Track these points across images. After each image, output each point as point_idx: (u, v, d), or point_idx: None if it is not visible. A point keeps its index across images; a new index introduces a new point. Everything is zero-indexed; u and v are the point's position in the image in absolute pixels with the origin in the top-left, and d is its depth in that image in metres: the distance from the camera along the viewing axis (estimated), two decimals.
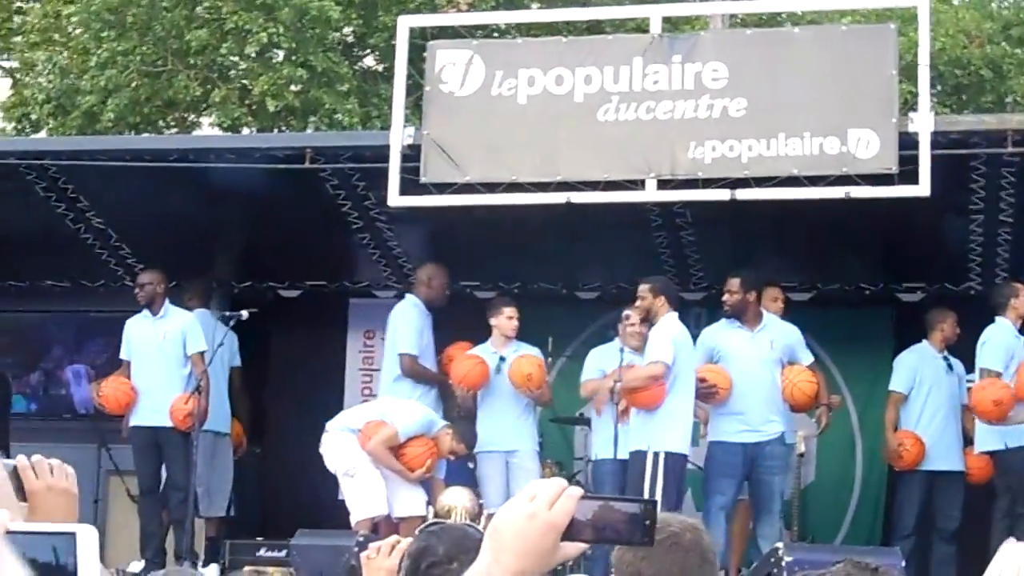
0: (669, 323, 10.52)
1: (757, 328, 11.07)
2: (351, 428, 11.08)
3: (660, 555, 3.17)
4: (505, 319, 11.43)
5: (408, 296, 11.85)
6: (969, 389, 11.49)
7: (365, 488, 10.90)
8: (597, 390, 11.16)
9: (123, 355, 11.93)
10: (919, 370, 11.46)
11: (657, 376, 10.41)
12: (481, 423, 11.47)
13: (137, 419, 11.74)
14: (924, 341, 11.55)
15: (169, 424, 11.54)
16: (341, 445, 11.03)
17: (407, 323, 11.64)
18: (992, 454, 10.92)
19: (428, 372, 11.67)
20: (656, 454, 10.25)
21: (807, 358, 11.28)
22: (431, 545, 4.24)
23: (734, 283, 11.06)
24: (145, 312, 11.88)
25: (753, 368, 10.90)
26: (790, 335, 11.24)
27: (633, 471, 10.48)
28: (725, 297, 11.05)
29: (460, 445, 11.10)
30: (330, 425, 11.19)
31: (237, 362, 12.35)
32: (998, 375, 10.64)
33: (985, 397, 10.64)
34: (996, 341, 10.79)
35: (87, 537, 2.46)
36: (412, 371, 11.60)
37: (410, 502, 10.92)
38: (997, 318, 10.97)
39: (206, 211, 12.06)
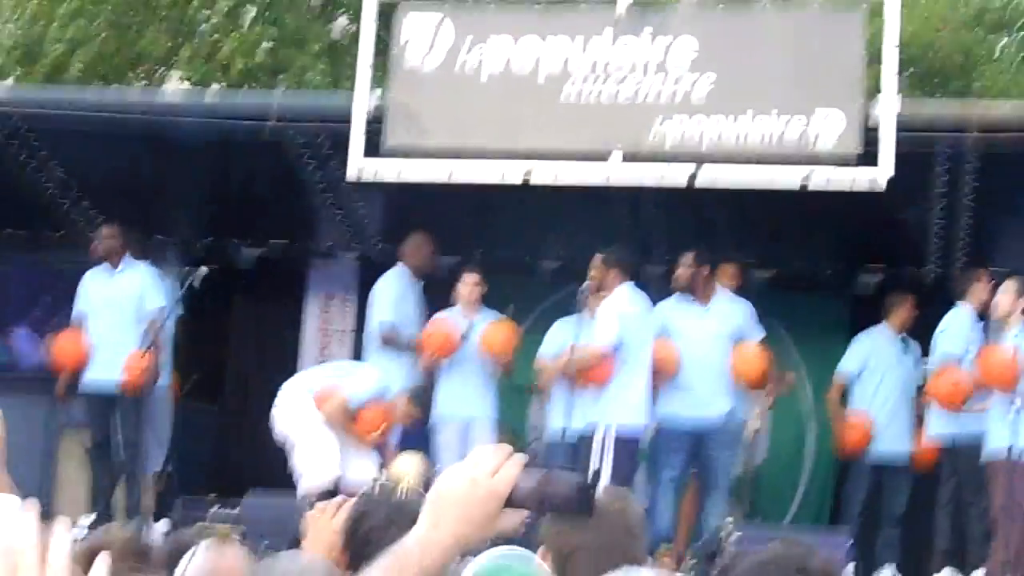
0: (617, 297, 10.48)
1: (708, 304, 11.06)
2: (308, 390, 11.06)
3: (585, 527, 3.16)
4: (463, 286, 11.41)
5: (397, 265, 11.85)
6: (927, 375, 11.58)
7: (317, 452, 10.87)
8: (545, 371, 11.19)
9: (78, 309, 11.87)
10: (873, 352, 11.50)
11: (600, 356, 10.41)
12: (442, 390, 11.46)
13: (91, 374, 11.69)
14: (882, 323, 11.59)
15: (123, 380, 11.50)
16: (296, 407, 11.01)
17: (386, 292, 11.70)
18: (944, 442, 10.94)
19: (399, 340, 11.63)
20: (607, 427, 10.25)
21: (757, 335, 11.28)
22: (372, 509, 4.23)
23: (688, 257, 11.05)
24: (104, 266, 11.82)
25: (703, 345, 10.88)
26: (741, 312, 11.24)
27: (584, 444, 10.49)
28: (678, 271, 11.04)
29: (415, 409, 11.09)
30: (286, 386, 11.18)
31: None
32: (958, 361, 10.66)
33: (943, 383, 10.66)
34: (955, 328, 10.81)
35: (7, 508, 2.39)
36: (384, 338, 11.58)
37: (362, 468, 10.91)
38: (958, 303, 11.01)
39: (169, 167, 12.00)
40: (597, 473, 2.61)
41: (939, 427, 10.91)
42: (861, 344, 11.60)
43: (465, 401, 11.43)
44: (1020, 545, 9.96)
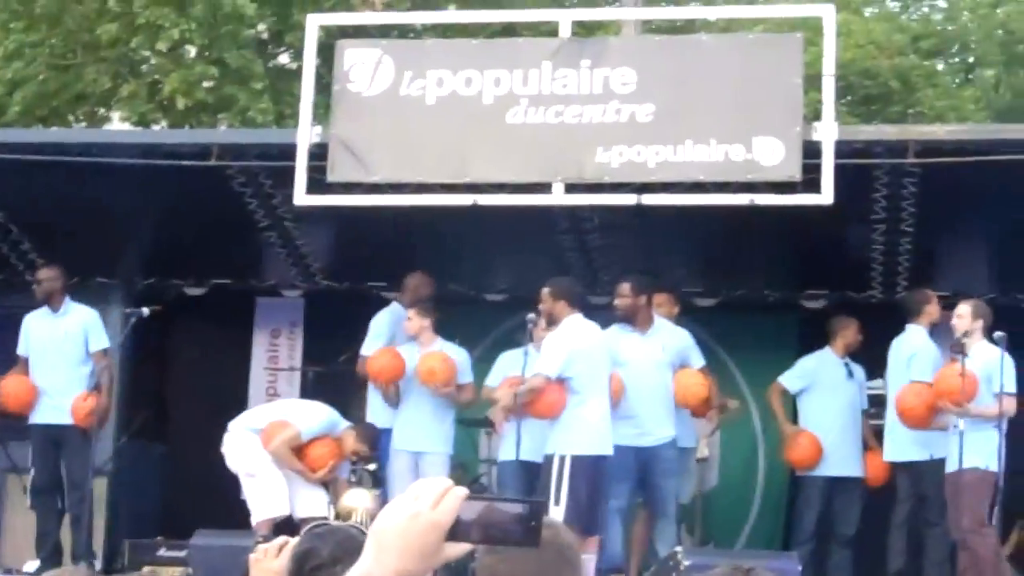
0: (564, 328, 10.47)
1: (648, 332, 11.09)
2: (253, 428, 11.05)
3: (515, 555, 3.14)
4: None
5: (392, 303, 11.89)
6: (870, 395, 11.68)
7: (266, 488, 10.87)
8: (491, 402, 11.25)
9: (20, 351, 11.80)
10: (818, 374, 11.57)
11: (535, 389, 10.37)
12: (396, 421, 11.46)
13: (37, 417, 11.61)
14: (826, 347, 11.67)
15: (69, 422, 11.42)
16: (243, 445, 10.99)
17: (374, 328, 11.73)
18: (910, 464, 10.96)
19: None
20: (562, 458, 10.24)
21: (699, 361, 11.33)
22: (315, 547, 4.21)
23: (625, 287, 11.07)
24: (45, 308, 11.76)
25: (645, 372, 10.89)
26: (681, 339, 11.29)
27: (544, 474, 10.49)
28: (616, 301, 11.06)
29: (362, 446, 11.08)
30: (232, 425, 11.15)
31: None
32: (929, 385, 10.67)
33: (917, 402, 10.64)
34: (925, 354, 10.85)
35: None
36: (362, 371, 11.60)
37: (312, 503, 10.90)
38: (909, 326, 11.07)
39: (111, 207, 11.95)
40: (540, 503, 2.61)
41: (908, 452, 10.93)
42: (806, 364, 11.69)
43: (416, 434, 11.42)
44: (985, 561, 10.03)
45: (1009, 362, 10.15)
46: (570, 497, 10.05)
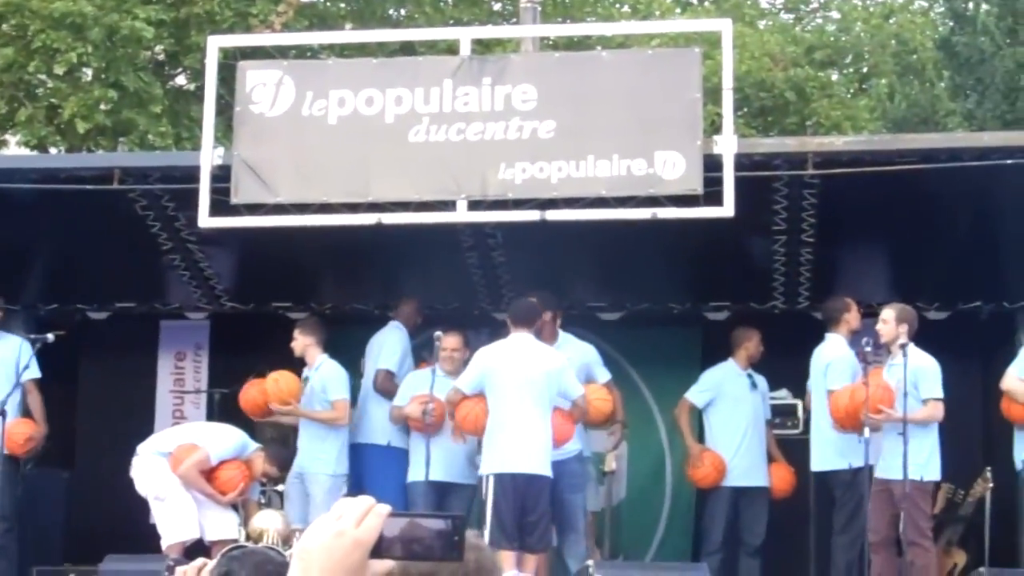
0: (490, 346, 10.59)
1: (555, 345, 11.15)
2: (162, 451, 11.01)
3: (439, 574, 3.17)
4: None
5: (392, 322, 11.94)
6: (773, 405, 11.81)
7: (176, 512, 10.83)
8: (399, 419, 11.32)
9: None
10: (722, 386, 11.69)
11: (450, 401, 10.54)
12: (299, 445, 11.49)
13: None
14: (729, 359, 11.78)
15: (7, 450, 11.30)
16: (151, 469, 10.95)
17: (394, 342, 11.82)
18: (835, 473, 11.05)
19: (396, 388, 11.68)
20: (486, 477, 10.30)
21: (603, 376, 11.42)
22: (232, 570, 4.22)
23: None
24: None
25: None
26: (586, 354, 11.37)
27: (455, 493, 10.58)
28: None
29: (272, 467, 11.06)
30: (141, 448, 11.10)
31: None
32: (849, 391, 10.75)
33: (848, 405, 10.71)
34: (842, 362, 10.95)
35: None
36: (383, 386, 11.67)
37: (222, 525, 10.87)
38: (828, 334, 11.19)
39: (12, 233, 11.83)
40: (461, 517, 2.61)
41: (832, 462, 11.01)
42: (709, 377, 11.79)
43: (302, 456, 11.42)
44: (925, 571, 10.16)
45: (935, 367, 10.29)
46: (492, 515, 10.10)
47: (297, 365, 11.71)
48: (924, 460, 10.19)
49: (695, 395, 11.74)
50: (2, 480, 11.35)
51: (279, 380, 11.46)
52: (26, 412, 11.71)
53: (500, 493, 10.18)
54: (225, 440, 11.06)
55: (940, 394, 10.31)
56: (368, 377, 11.89)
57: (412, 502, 11.13)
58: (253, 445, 11.13)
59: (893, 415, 10.21)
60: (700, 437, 11.85)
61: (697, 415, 11.91)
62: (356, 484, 11.35)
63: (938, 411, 10.31)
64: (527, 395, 10.34)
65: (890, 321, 10.47)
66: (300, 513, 11.00)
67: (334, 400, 11.46)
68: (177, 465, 10.85)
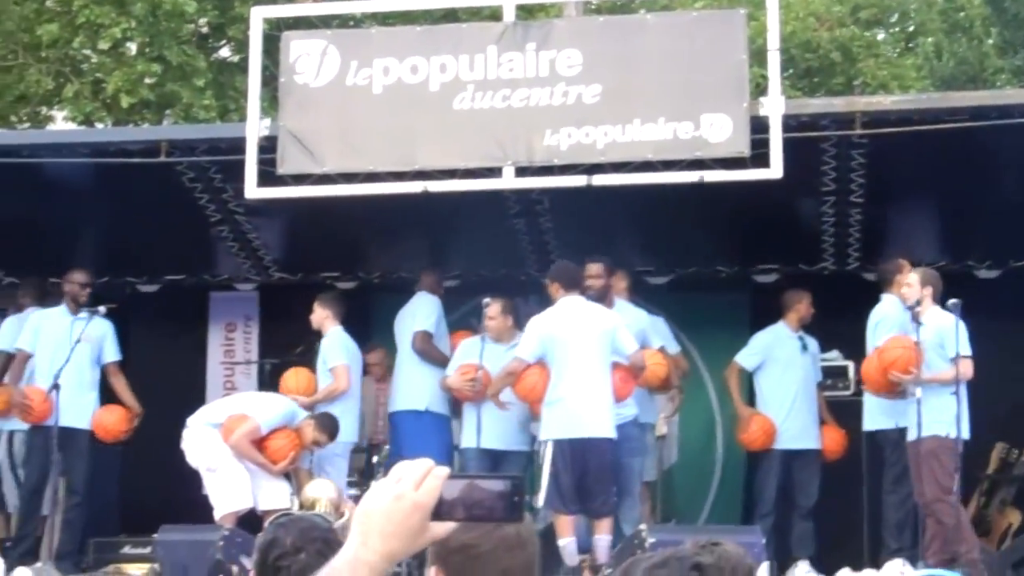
0: (546, 312, 10.56)
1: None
2: (213, 423, 11.05)
3: (491, 561, 3.16)
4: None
5: (421, 292, 11.97)
6: (823, 367, 11.77)
7: (228, 482, 10.88)
8: (451, 388, 11.35)
9: (24, 346, 11.70)
10: (773, 349, 11.63)
11: (512, 373, 10.49)
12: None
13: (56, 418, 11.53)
14: (780, 322, 11.73)
15: (80, 426, 11.52)
16: (203, 440, 11.00)
17: (428, 306, 11.85)
18: (883, 433, 10.97)
19: (436, 351, 11.76)
20: (544, 443, 10.31)
21: (658, 342, 11.41)
22: (279, 537, 4.27)
23: (597, 268, 11.12)
24: (60, 310, 11.69)
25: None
26: (641, 320, 11.35)
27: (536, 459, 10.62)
28: (590, 282, 11.08)
29: (322, 435, 11.09)
30: (191, 420, 11.15)
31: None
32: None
33: (870, 369, 10.69)
34: (888, 321, 10.90)
35: None
36: (422, 347, 11.73)
37: (274, 495, 10.91)
38: (883, 295, 11.13)
39: (62, 207, 11.91)
40: (520, 478, 2.63)
41: (880, 421, 11.00)
42: (760, 340, 11.74)
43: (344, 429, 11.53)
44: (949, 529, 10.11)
45: (962, 326, 10.23)
46: (550, 480, 10.11)
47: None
48: (951, 418, 10.11)
49: (745, 358, 11.70)
50: (78, 455, 11.47)
51: (287, 381, 11.55)
52: (109, 394, 11.85)
53: (560, 459, 10.16)
54: (274, 409, 11.10)
55: (968, 351, 10.25)
56: (403, 344, 11.87)
57: (464, 469, 11.16)
58: (302, 414, 11.17)
59: (921, 376, 10.20)
60: (750, 400, 11.82)
61: (747, 378, 11.87)
62: (395, 451, 11.39)
63: (969, 368, 10.26)
64: (588, 357, 10.31)
65: (914, 284, 10.45)
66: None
67: (332, 366, 11.54)
68: (228, 436, 10.89)
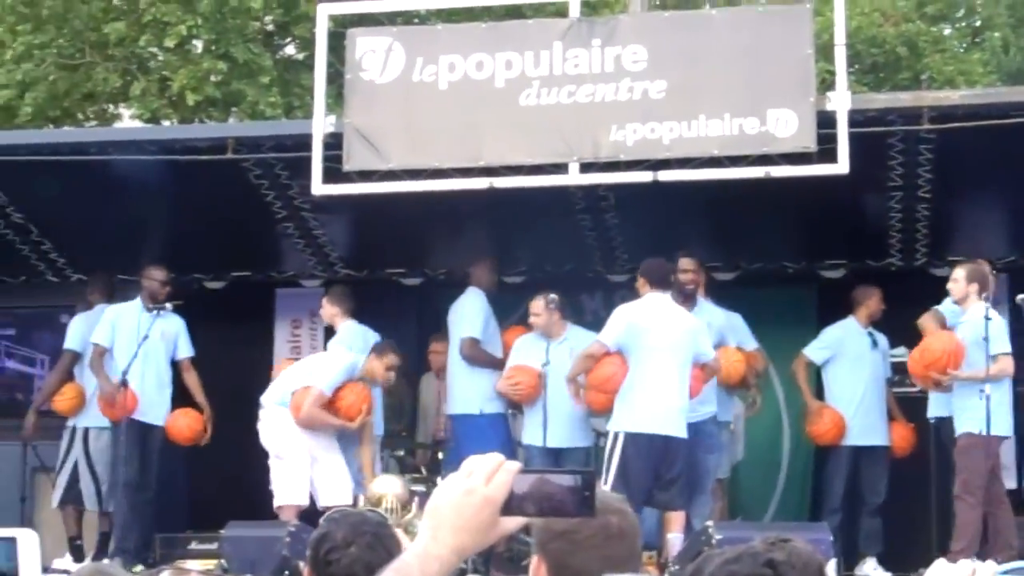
0: (633, 303, 10.57)
1: (694, 310, 11.17)
2: (283, 401, 11.09)
3: (590, 548, 3.17)
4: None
5: (470, 288, 11.88)
6: (893, 363, 11.69)
7: (290, 474, 10.94)
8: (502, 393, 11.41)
9: (101, 341, 11.73)
10: (842, 345, 11.57)
11: (592, 355, 10.47)
12: None
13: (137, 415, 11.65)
14: (850, 317, 11.66)
15: (157, 422, 11.70)
16: (274, 423, 11.07)
17: (473, 309, 11.77)
18: (945, 421, 10.93)
19: (484, 355, 11.75)
20: (616, 434, 10.30)
21: (734, 341, 11.41)
22: (330, 531, 4.30)
23: (690, 262, 11.19)
24: (135, 305, 11.77)
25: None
26: (719, 318, 11.37)
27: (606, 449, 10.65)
28: (683, 276, 11.10)
29: (391, 357, 11.11)
30: (264, 399, 11.21)
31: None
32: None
33: (920, 362, 10.68)
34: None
35: (28, 541, 2.44)
36: (470, 354, 11.71)
37: (336, 491, 10.92)
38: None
39: (129, 205, 11.99)
40: (591, 473, 2.63)
41: (937, 409, 10.95)
42: (830, 335, 11.68)
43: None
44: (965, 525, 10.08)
45: (1002, 323, 10.17)
46: (617, 473, 10.09)
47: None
48: (983, 415, 10.07)
49: (813, 352, 11.65)
50: (157, 451, 11.63)
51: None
52: (181, 391, 11.98)
53: (633, 452, 10.15)
54: (332, 367, 11.12)
55: (1008, 348, 10.19)
56: (454, 346, 11.89)
57: (527, 465, 11.13)
58: (363, 358, 11.17)
59: (959, 375, 10.23)
60: (818, 395, 11.75)
61: (815, 373, 11.81)
62: (455, 453, 11.40)
63: (1008, 365, 10.17)
64: (670, 356, 10.31)
65: (960, 280, 10.41)
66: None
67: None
68: (298, 411, 10.94)
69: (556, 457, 11.18)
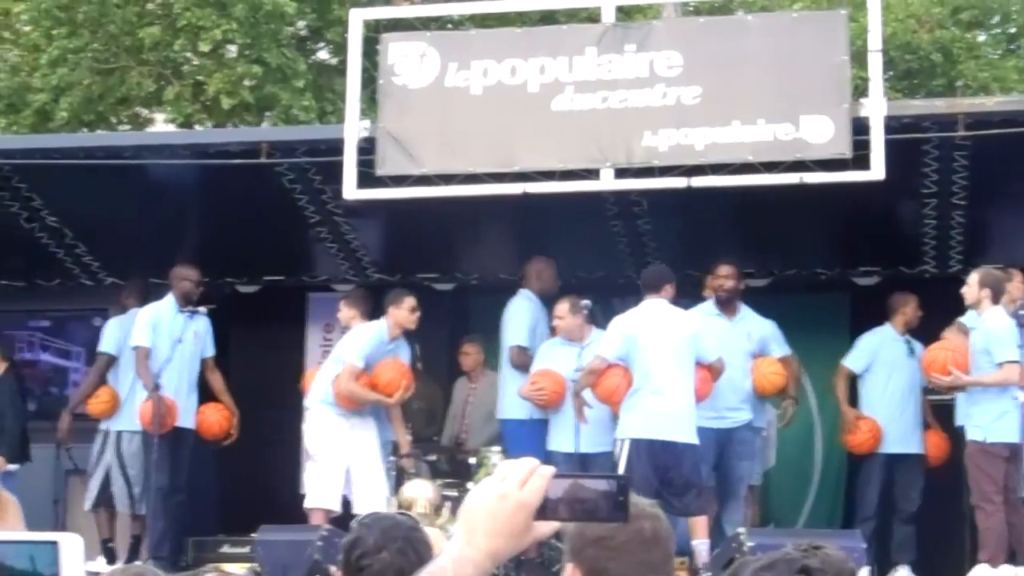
0: (626, 313, 10.57)
1: (736, 318, 11.17)
2: (327, 399, 11.12)
3: (628, 553, 3.16)
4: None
5: (521, 291, 11.82)
6: None
7: (323, 478, 10.98)
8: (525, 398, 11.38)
9: (142, 343, 11.68)
10: (879, 352, 11.53)
11: (593, 371, 10.47)
12: None
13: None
14: (886, 324, 11.62)
15: (190, 425, 11.76)
16: (315, 424, 11.14)
17: (519, 317, 11.73)
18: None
19: (531, 361, 11.71)
20: (622, 441, 10.29)
21: (779, 351, 11.44)
22: (361, 536, 4.30)
23: (728, 269, 11.22)
24: (168, 305, 11.80)
25: (728, 357, 10.84)
26: (764, 328, 11.39)
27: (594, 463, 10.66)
28: (726, 283, 11.15)
29: (405, 299, 11.13)
30: (308, 401, 11.25)
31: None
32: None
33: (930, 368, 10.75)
34: (1003, 332, 10.76)
35: (70, 546, 2.44)
36: (518, 362, 11.69)
37: (371, 497, 10.93)
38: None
39: (162, 208, 12.03)
40: (626, 478, 2.62)
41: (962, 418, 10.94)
42: (866, 343, 11.63)
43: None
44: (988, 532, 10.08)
45: (1011, 330, 10.13)
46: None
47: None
48: (987, 423, 10.11)
49: (853, 361, 11.60)
50: (191, 454, 11.68)
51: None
52: (206, 390, 12.02)
53: (636, 458, 10.16)
54: (358, 339, 11.14)
55: (1014, 356, 10.14)
56: (503, 352, 11.89)
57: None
58: (383, 322, 11.18)
59: (961, 379, 10.29)
60: (852, 402, 11.70)
61: (851, 380, 11.78)
62: (510, 456, 11.40)
63: (1012, 374, 10.14)
64: (669, 360, 10.31)
65: (973, 284, 10.41)
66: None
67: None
68: (338, 388, 10.98)
69: (581, 461, 11.15)
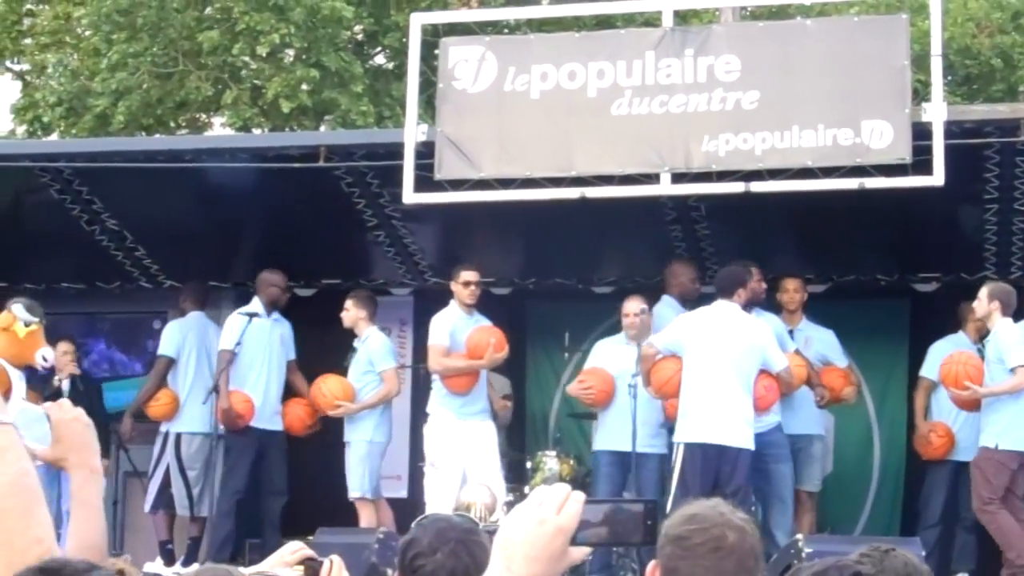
0: (695, 311, 10.62)
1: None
2: (438, 403, 11.17)
3: (699, 557, 3.18)
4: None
5: (663, 297, 11.71)
6: None
7: (440, 486, 10.96)
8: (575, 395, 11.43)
9: (228, 346, 11.84)
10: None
11: (645, 357, 10.53)
12: None
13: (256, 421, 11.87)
14: (960, 332, 11.55)
15: (278, 428, 12.02)
16: (433, 430, 11.20)
17: (664, 321, 11.58)
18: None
19: None
20: (678, 445, 10.29)
21: (842, 361, 11.53)
22: (417, 537, 4.31)
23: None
24: (255, 308, 11.92)
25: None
26: (826, 340, 11.55)
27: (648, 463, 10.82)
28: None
29: (465, 273, 11.28)
30: (429, 407, 11.30)
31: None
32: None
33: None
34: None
35: None
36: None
37: (441, 502, 10.90)
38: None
39: (221, 211, 12.09)
40: (654, 502, 2.65)
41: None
42: (940, 350, 11.49)
43: (348, 422, 11.82)
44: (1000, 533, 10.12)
45: (1020, 337, 10.14)
46: (678, 483, 10.09)
47: None
48: (1000, 429, 10.22)
49: (931, 371, 11.50)
50: (281, 457, 11.93)
51: (322, 386, 11.68)
52: (290, 391, 12.20)
53: (690, 462, 10.16)
54: (438, 328, 11.24)
55: (1021, 362, 10.26)
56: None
57: (595, 471, 11.20)
58: (456, 307, 11.31)
59: (978, 391, 10.46)
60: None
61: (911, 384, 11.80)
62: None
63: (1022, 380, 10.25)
64: (728, 366, 10.29)
65: (983, 298, 10.53)
66: None
67: (382, 371, 11.73)
68: (440, 376, 11.15)
69: (625, 462, 11.09)
